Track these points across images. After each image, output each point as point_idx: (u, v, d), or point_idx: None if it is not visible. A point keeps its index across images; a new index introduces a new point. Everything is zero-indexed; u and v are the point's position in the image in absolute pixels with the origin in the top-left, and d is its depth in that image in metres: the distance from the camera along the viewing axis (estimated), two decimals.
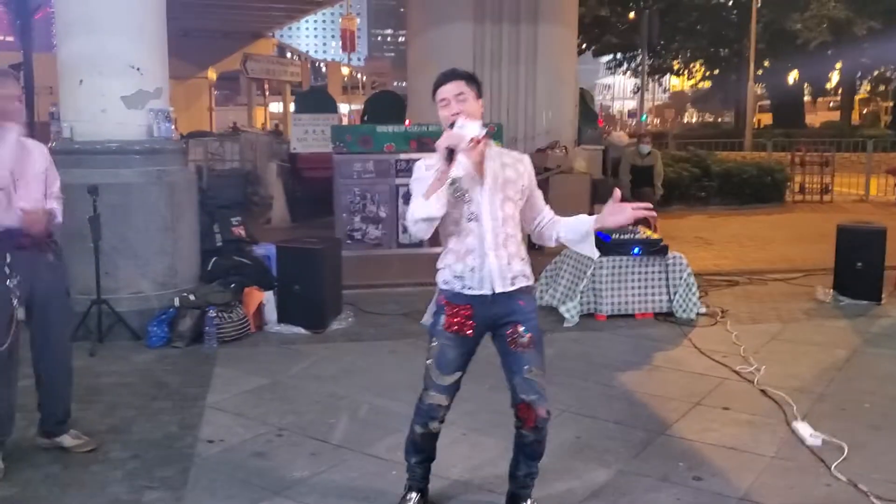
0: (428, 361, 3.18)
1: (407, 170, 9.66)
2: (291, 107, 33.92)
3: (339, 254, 6.48)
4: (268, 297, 6.23)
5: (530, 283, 3.16)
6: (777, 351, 5.76)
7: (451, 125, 2.95)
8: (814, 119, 47.74)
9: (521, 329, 3.10)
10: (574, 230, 3.20)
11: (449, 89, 3.03)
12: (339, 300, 6.53)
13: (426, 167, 3.06)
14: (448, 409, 3.21)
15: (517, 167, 3.15)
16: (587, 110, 13.26)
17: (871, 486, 3.61)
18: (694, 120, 67.63)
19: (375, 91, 21.55)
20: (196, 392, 4.86)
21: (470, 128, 2.89)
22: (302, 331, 6.07)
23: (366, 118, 13.80)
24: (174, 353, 5.61)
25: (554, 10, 10.88)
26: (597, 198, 10.08)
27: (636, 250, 6.58)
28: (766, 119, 45.09)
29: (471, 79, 3.08)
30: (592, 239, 3.19)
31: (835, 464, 3.85)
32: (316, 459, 3.93)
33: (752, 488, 3.64)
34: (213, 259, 6.45)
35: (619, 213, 3.07)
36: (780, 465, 3.91)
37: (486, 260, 3.05)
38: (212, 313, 5.73)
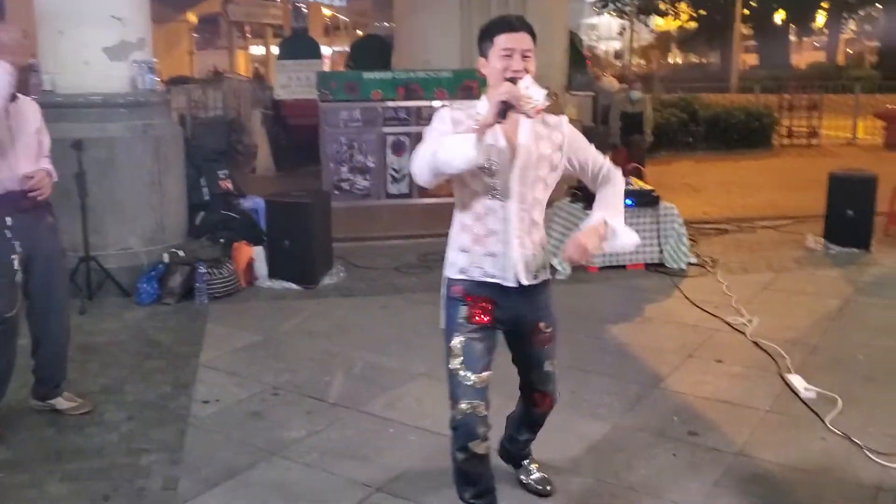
0: (452, 366, 2.69)
1: (395, 118, 9.57)
2: (273, 49, 33.36)
3: (328, 207, 6.40)
4: (257, 253, 6.16)
5: (549, 275, 2.84)
6: (769, 301, 5.78)
7: (512, 80, 2.48)
8: (799, 59, 47.57)
9: (542, 326, 2.83)
10: (612, 210, 2.83)
11: (518, 40, 2.56)
12: (330, 254, 6.47)
13: (452, 120, 2.60)
14: (488, 420, 2.71)
15: (553, 137, 2.70)
16: (576, 55, 13.05)
17: (866, 439, 3.64)
18: (679, 61, 67.08)
19: (360, 36, 21.12)
20: (189, 350, 4.83)
21: (537, 92, 2.44)
22: (293, 286, 6.03)
23: (351, 64, 13.54)
24: (165, 310, 5.57)
25: None
26: None
27: (628, 202, 6.52)
28: (752, 60, 44.89)
29: (534, 33, 2.63)
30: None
31: (829, 417, 3.88)
32: (312, 418, 3.92)
33: (747, 443, 3.67)
34: (202, 214, 6.37)
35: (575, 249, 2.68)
36: (774, 419, 3.94)
37: (509, 247, 2.65)
38: (202, 269, 5.67)
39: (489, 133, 2.48)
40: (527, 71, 2.54)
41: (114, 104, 5.77)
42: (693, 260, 6.74)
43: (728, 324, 5.27)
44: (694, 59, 62.06)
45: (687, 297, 5.87)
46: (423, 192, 9.70)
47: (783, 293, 5.99)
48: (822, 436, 3.74)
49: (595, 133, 10.26)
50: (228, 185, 6.66)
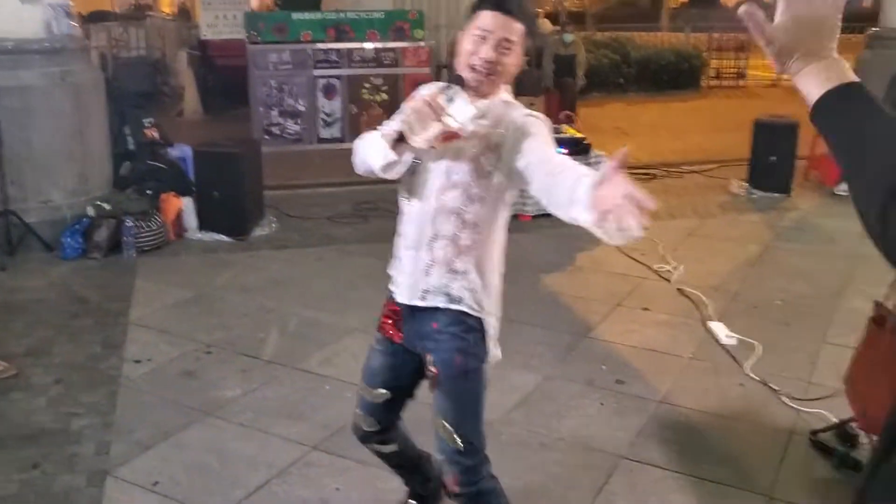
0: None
1: (325, 60, 9.38)
2: None
3: (258, 156, 6.28)
4: (186, 204, 6.04)
5: (459, 307, 2.22)
6: (694, 248, 5.95)
7: (455, 80, 2.01)
8: None
9: (429, 359, 2.26)
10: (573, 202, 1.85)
11: (502, 23, 2.07)
12: (261, 204, 6.38)
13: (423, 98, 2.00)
14: (380, 436, 2.53)
15: (490, 135, 2.10)
16: None
17: (782, 384, 3.83)
18: None
19: None
20: (118, 307, 4.74)
21: (461, 110, 1.93)
22: (224, 238, 5.94)
23: (280, 3, 13.14)
24: (91, 265, 5.44)
25: None
26: (521, 88, 9.97)
27: (560, 149, 6.58)
28: None
29: (531, 25, 2.16)
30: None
31: (748, 364, 4.06)
32: (247, 377, 3.93)
33: (670, 391, 3.82)
34: (127, 164, 6.19)
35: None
36: (697, 365, 4.10)
37: (403, 255, 2.27)
38: (129, 222, 5.54)
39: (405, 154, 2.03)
40: (499, 66, 2.09)
41: (27, 50, 5.51)
42: None
43: (655, 271, 5.42)
44: None
45: (616, 246, 5.99)
46: (356, 135, 9.58)
47: (707, 239, 6.17)
48: (741, 382, 3.92)
49: (529, 76, 10.23)
50: (154, 133, 6.46)
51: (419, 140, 1.94)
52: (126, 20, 14.92)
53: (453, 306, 2.22)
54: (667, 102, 13.91)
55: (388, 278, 2.38)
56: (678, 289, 5.10)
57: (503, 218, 2.31)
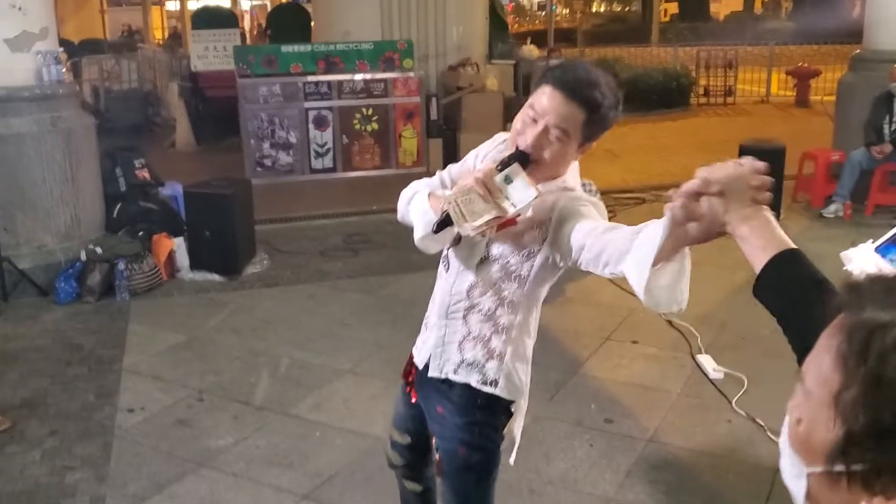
0: None
1: (316, 92, 9.46)
2: (189, 5, 32.19)
3: (249, 195, 6.33)
4: (178, 244, 6.08)
5: (493, 391, 2.10)
6: None
7: (518, 157, 1.85)
8: (718, 8, 48.35)
9: (434, 443, 2.23)
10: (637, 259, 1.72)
11: (560, 107, 1.86)
12: (253, 242, 6.43)
13: (476, 161, 2.12)
14: (410, 472, 2.51)
15: (536, 212, 1.92)
16: (498, 20, 13.04)
17: (768, 419, 3.88)
18: (602, 9, 67.45)
19: (278, 4, 20.62)
20: (111, 354, 4.78)
21: (519, 194, 1.77)
22: (216, 277, 5.99)
23: (269, 33, 13.25)
24: (85, 309, 5.48)
25: None
26: (509, 115, 10.08)
27: None
28: (673, 8, 45.42)
29: (598, 116, 1.88)
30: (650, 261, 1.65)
31: (735, 398, 4.11)
32: (239, 424, 3.97)
33: (659, 428, 3.87)
34: (119, 205, 6.24)
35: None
36: (685, 402, 4.15)
37: (432, 323, 2.18)
38: (121, 266, 5.59)
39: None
40: (542, 152, 1.88)
41: (18, 98, 5.57)
42: None
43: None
44: (617, 7, 62.48)
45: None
46: (348, 165, 9.69)
47: (694, 266, 6.10)
48: (729, 417, 3.97)
49: (517, 102, 10.33)
50: (146, 174, 6.51)
51: (468, 228, 1.78)
52: (118, 52, 15.02)
53: (486, 389, 2.08)
54: (656, 122, 14.00)
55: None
56: (667, 320, 5.15)
57: (541, 298, 2.17)
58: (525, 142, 1.88)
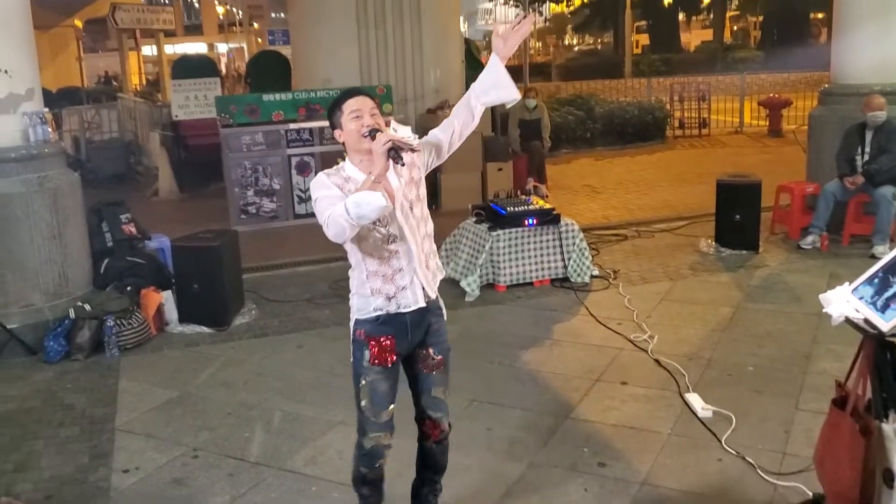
0: (361, 403, 3.05)
1: (298, 139, 9.57)
2: (166, 49, 32.34)
3: (236, 246, 6.38)
4: (166, 297, 6.11)
5: (443, 273, 3.20)
6: (667, 313, 6.09)
7: (372, 135, 2.81)
8: (689, 38, 49.25)
9: (432, 352, 3.11)
10: (485, 86, 3.00)
11: (362, 102, 2.93)
12: (241, 292, 6.47)
13: (334, 183, 2.91)
14: (390, 441, 3.11)
15: (411, 173, 2.98)
16: (474, 61, 13.25)
17: (758, 457, 3.94)
18: (575, 42, 68.48)
19: (257, 52, 20.84)
20: (104, 412, 4.78)
21: (405, 131, 2.83)
22: (205, 329, 6.01)
23: (249, 81, 13.39)
24: (75, 367, 5.48)
25: None
26: (488, 155, 10.21)
27: (530, 221, 6.77)
28: (644, 40, 46.22)
29: (378, 104, 3.05)
30: (505, 78, 2.98)
31: (724, 436, 4.17)
32: (234, 480, 3.97)
33: (651, 471, 3.92)
34: (106, 261, 6.25)
35: (513, 37, 2.94)
36: (676, 442, 4.20)
37: (416, 275, 2.99)
38: (110, 322, 5.60)
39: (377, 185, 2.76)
40: (378, 125, 2.88)
41: (5, 159, 5.61)
42: (596, 272, 7.02)
43: (631, 341, 5.55)
44: (590, 40, 63.43)
45: (591, 314, 6.13)
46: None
47: (679, 303, 6.32)
48: (719, 456, 4.02)
49: (495, 142, 10.48)
50: (132, 228, 6.54)
51: (386, 135, 2.73)
52: (97, 101, 15.08)
53: (440, 278, 3.16)
54: (634, 156, 14.23)
55: None
56: (655, 359, 5.23)
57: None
58: (366, 122, 2.90)
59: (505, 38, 2.95)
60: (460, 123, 3.04)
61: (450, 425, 3.24)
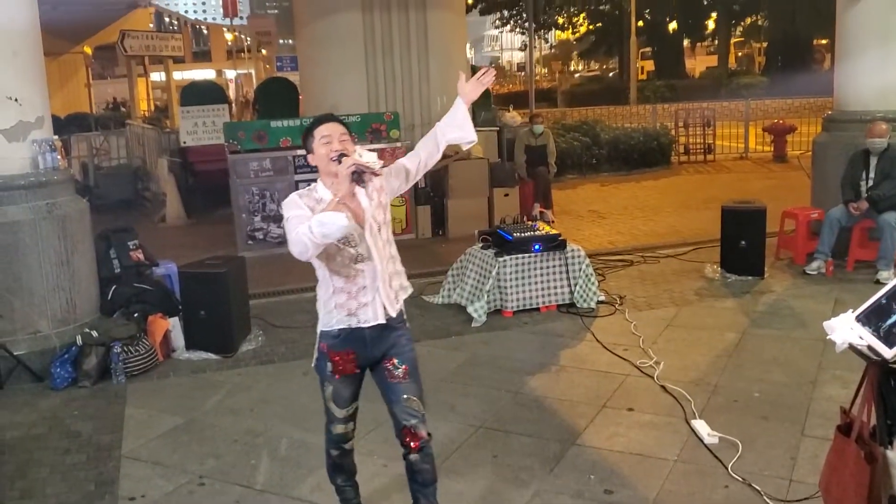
0: (326, 404, 3.39)
1: (305, 165, 9.59)
2: (175, 75, 32.64)
3: (244, 273, 6.41)
4: (173, 324, 6.13)
5: (408, 292, 3.36)
6: (673, 339, 6.09)
7: (339, 159, 3.02)
8: (694, 64, 49.55)
9: (395, 362, 3.28)
10: (450, 125, 3.37)
11: (332, 128, 3.16)
12: (248, 318, 6.49)
13: (306, 204, 3.10)
14: (354, 430, 3.48)
15: (380, 197, 3.20)
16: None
17: (765, 484, 3.93)
18: (580, 68, 68.91)
19: (266, 79, 21.04)
20: (110, 440, 4.79)
21: (370, 156, 2.96)
22: (211, 356, 6.02)
23: (258, 107, 13.51)
24: (82, 394, 5.49)
25: None
26: (494, 181, 10.26)
27: (537, 247, 6.79)
28: (650, 66, 46.54)
29: (348, 129, 3.24)
30: (465, 122, 3.38)
31: (731, 463, 4.16)
32: None
33: (658, 498, 3.90)
34: (113, 287, 6.28)
35: (474, 86, 3.39)
36: (682, 468, 4.19)
37: (378, 293, 3.19)
38: (117, 349, 5.62)
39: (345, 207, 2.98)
40: (346, 150, 3.09)
41: (14, 186, 5.67)
42: (602, 298, 7.03)
43: (637, 367, 5.54)
44: (595, 66, 63.82)
45: (598, 340, 6.13)
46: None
47: (685, 329, 6.32)
48: (726, 483, 4.01)
49: (501, 168, 10.54)
50: (140, 255, 6.58)
51: (367, 156, 2.94)
52: (105, 127, 15.22)
53: (403, 297, 3.33)
54: (639, 181, 14.27)
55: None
56: (661, 385, 5.22)
57: None
58: (335, 147, 3.11)
59: (468, 86, 3.38)
60: (426, 155, 3.34)
61: (429, 434, 3.35)
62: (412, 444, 3.29)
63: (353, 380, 3.32)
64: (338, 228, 2.85)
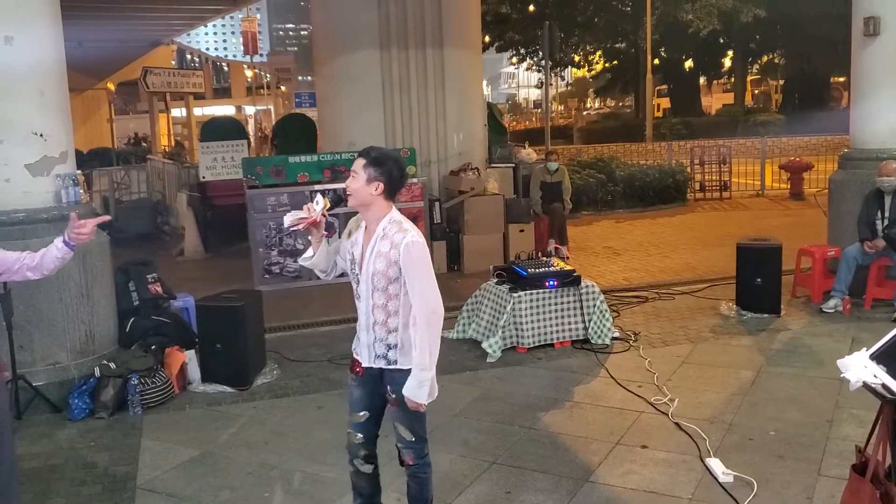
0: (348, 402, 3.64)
1: None
2: (195, 111, 33.15)
3: (260, 307, 6.47)
4: (190, 356, 6.19)
5: (393, 367, 3.41)
6: (687, 376, 6.07)
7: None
8: (710, 101, 49.66)
9: (389, 390, 3.46)
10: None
11: (355, 163, 3.40)
12: (263, 353, 6.54)
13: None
14: (368, 449, 3.59)
15: (389, 255, 3.30)
16: (497, 124, 13.50)
17: None
18: (597, 105, 69.31)
19: (284, 115, 21.34)
20: (126, 471, 4.82)
21: (318, 206, 3.34)
22: (227, 389, 6.06)
23: (276, 143, 13.70)
24: (99, 426, 5.53)
25: (458, 34, 11.04)
26: (510, 217, 10.32)
27: (551, 283, 6.81)
28: (665, 103, 46.70)
29: (373, 162, 3.33)
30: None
31: (746, 502, 4.13)
32: None
33: None
34: (132, 320, 6.36)
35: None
36: None
37: (361, 334, 3.47)
38: (134, 381, 5.67)
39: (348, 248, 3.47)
40: (347, 187, 3.38)
41: (37, 219, 5.77)
42: (616, 334, 7.03)
43: (651, 404, 5.52)
44: (611, 103, 64.16)
45: (612, 377, 6.12)
46: None
47: (700, 366, 6.30)
48: None
49: (517, 205, 10.60)
50: (158, 288, 6.67)
51: (287, 221, 3.37)
52: (127, 162, 15.45)
53: (391, 367, 3.40)
54: (655, 218, 14.29)
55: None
56: (675, 422, 5.20)
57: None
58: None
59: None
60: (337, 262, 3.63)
61: (413, 463, 3.54)
62: (406, 461, 3.55)
63: (361, 382, 3.51)
64: (304, 259, 3.55)
